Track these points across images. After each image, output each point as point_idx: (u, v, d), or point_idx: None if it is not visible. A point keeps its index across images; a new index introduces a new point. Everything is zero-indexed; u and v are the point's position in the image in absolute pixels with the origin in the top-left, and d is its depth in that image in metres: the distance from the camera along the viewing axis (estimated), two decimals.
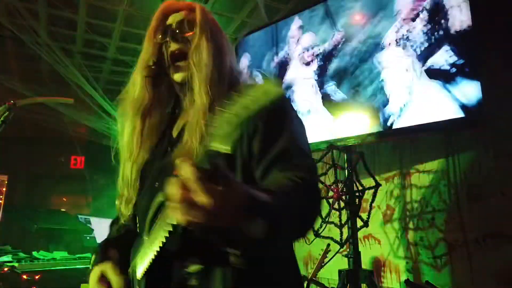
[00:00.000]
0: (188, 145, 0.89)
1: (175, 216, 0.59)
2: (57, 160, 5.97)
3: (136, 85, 1.08)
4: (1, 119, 1.48)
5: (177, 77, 1.03)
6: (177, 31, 1.04)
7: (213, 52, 1.00)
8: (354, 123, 2.33)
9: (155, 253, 0.81)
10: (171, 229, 0.71)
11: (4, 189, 5.09)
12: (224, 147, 0.54)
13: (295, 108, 1.07)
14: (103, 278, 0.98)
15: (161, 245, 0.77)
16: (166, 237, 0.74)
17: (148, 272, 0.87)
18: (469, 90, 1.90)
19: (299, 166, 0.85)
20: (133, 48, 4.44)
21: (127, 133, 1.07)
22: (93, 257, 1.06)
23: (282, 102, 0.95)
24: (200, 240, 0.72)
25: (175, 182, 0.56)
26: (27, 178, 5.51)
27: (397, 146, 2.72)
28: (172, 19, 1.07)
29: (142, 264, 0.89)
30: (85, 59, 4.70)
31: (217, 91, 0.94)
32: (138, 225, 1.07)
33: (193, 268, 0.85)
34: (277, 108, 0.87)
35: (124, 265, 1.00)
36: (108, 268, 0.98)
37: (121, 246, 1.06)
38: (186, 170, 0.55)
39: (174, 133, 1.06)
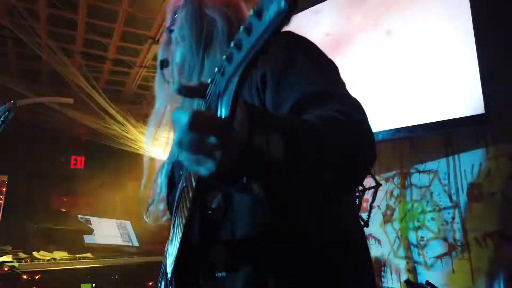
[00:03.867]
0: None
1: (194, 172, 0.51)
2: (57, 160, 5.96)
3: (161, 91, 1.10)
4: (1, 119, 1.48)
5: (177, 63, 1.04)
6: (173, 23, 1.07)
7: (194, 27, 0.97)
8: None
9: (178, 247, 0.74)
10: (187, 215, 0.64)
11: (4, 189, 5.08)
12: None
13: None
14: None
15: (182, 237, 0.70)
16: (185, 226, 0.67)
17: (176, 271, 0.81)
18: (470, 90, 1.90)
19: (335, 100, 0.69)
20: (133, 48, 4.44)
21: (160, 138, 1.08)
22: None
23: (289, 36, 0.82)
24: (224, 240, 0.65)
25: (177, 131, 0.48)
26: (27, 178, 5.50)
27: (397, 146, 2.72)
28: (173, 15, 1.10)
29: (170, 262, 0.85)
30: (85, 59, 4.70)
31: (207, 66, 0.92)
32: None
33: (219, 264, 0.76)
34: (284, 44, 0.76)
35: None
36: None
37: None
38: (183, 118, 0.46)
39: None
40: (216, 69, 0.47)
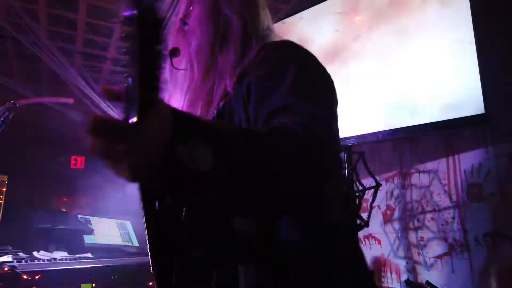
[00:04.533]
0: None
1: (116, 173, 0.47)
2: (57, 160, 5.96)
3: (173, 80, 1.09)
4: (1, 119, 1.48)
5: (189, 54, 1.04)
6: (188, 13, 1.06)
7: (210, 23, 0.96)
8: (354, 123, 2.33)
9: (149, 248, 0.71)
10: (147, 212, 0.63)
11: (4, 189, 5.08)
12: None
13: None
14: None
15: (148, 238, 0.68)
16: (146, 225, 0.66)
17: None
18: (469, 90, 1.90)
19: (293, 112, 0.65)
20: None
21: None
22: None
23: (282, 46, 0.82)
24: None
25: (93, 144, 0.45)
26: (27, 178, 5.50)
27: (397, 146, 2.72)
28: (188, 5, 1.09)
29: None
30: (85, 59, 4.70)
31: (220, 64, 0.91)
32: None
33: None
34: (277, 54, 0.76)
35: None
36: None
37: None
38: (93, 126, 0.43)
39: None
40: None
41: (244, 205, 0.57)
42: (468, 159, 2.31)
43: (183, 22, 1.07)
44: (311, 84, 0.74)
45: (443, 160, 2.44)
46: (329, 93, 0.77)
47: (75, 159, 6.03)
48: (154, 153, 0.45)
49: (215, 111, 0.84)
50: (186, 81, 1.05)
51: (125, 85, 0.45)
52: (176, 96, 1.07)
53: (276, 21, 2.99)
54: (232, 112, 0.79)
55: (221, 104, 0.84)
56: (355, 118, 2.32)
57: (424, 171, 2.55)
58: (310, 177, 0.59)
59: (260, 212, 0.62)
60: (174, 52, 1.08)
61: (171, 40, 1.12)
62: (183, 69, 1.06)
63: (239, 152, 0.53)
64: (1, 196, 4.95)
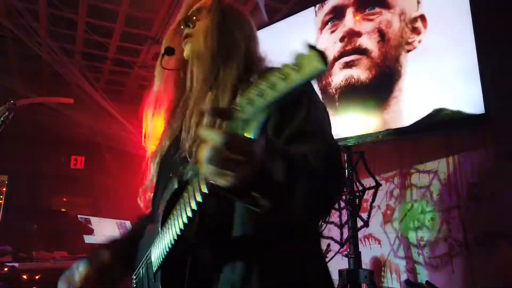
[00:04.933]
0: (189, 134, 0.92)
1: (218, 180, 0.58)
2: (57, 160, 5.96)
3: (160, 78, 1.12)
4: (1, 119, 1.48)
5: (186, 57, 1.06)
6: (192, 17, 1.08)
7: (218, 36, 1.01)
8: (354, 123, 2.33)
9: (171, 244, 0.79)
10: (190, 215, 0.70)
11: (4, 189, 5.08)
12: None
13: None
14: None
15: (178, 233, 0.75)
16: (185, 225, 0.73)
17: (163, 265, 0.86)
18: (470, 90, 1.90)
19: (318, 138, 0.83)
20: (133, 48, 4.44)
21: (155, 126, 1.10)
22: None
23: (309, 85, 0.94)
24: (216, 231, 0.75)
25: (210, 147, 0.55)
26: (27, 178, 5.50)
27: (397, 146, 2.72)
28: (191, 9, 1.11)
29: (157, 256, 0.88)
30: (85, 59, 4.71)
31: (222, 77, 0.96)
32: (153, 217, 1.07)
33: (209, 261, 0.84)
34: (304, 91, 0.87)
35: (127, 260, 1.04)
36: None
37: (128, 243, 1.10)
38: (212, 135, 0.55)
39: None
40: (245, 100, 0.53)
41: (304, 208, 0.71)
42: (468, 159, 2.31)
43: (185, 24, 1.07)
44: (320, 111, 0.91)
45: (443, 160, 2.44)
46: (327, 116, 0.94)
47: (75, 159, 6.04)
48: (258, 166, 0.58)
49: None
50: (173, 81, 1.10)
51: (232, 106, 0.55)
52: (165, 93, 1.09)
53: (273, 23, 3.00)
54: None
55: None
56: (355, 118, 2.32)
57: (424, 171, 2.55)
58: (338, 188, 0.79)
59: (313, 211, 0.78)
60: (169, 52, 1.09)
61: (168, 37, 1.14)
62: (172, 69, 1.08)
63: (302, 168, 0.69)
64: (1, 196, 4.96)
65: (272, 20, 3.16)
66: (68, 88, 4.48)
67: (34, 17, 3.71)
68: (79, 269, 1.04)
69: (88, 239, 3.92)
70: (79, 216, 4.47)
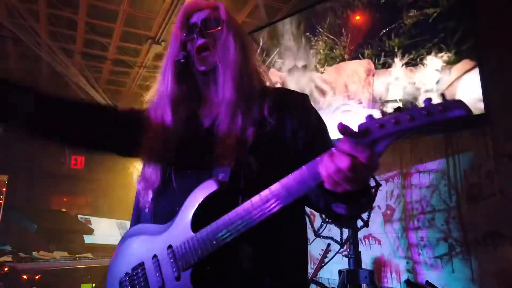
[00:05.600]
0: (227, 136, 0.96)
1: (342, 185, 0.76)
2: (57, 160, 5.96)
3: (166, 80, 1.12)
4: None
5: (203, 67, 1.08)
6: (203, 27, 1.09)
7: (239, 50, 1.07)
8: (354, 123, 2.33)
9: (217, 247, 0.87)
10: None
11: (4, 189, 5.08)
12: None
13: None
14: None
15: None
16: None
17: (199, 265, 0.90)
18: (470, 90, 1.90)
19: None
20: (133, 48, 4.44)
21: (158, 126, 1.09)
22: None
23: (308, 99, 1.13)
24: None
25: (339, 155, 0.74)
26: (27, 178, 5.50)
27: (397, 146, 2.72)
28: (196, 18, 1.12)
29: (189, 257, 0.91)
30: (85, 59, 4.71)
31: (245, 88, 1.03)
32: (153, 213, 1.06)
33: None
34: (304, 103, 1.09)
35: None
36: None
37: None
38: (345, 144, 0.74)
39: (206, 123, 1.08)
40: (377, 124, 0.72)
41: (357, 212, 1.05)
42: (468, 159, 2.31)
43: (200, 34, 1.07)
44: (325, 125, 1.12)
45: (443, 160, 2.44)
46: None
47: (75, 159, 6.03)
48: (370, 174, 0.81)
49: (254, 129, 1.00)
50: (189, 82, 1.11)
51: (364, 125, 0.74)
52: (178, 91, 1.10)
53: (273, 23, 3.00)
54: (271, 135, 1.01)
55: (256, 127, 1.00)
56: (355, 118, 2.32)
57: (424, 171, 2.55)
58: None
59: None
60: (205, 49, 1.08)
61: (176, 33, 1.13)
62: (206, 70, 1.08)
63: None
64: (1, 196, 4.96)
65: (272, 20, 3.16)
66: (68, 88, 4.48)
67: (34, 17, 3.71)
68: None
69: (88, 239, 3.92)
70: (79, 216, 4.47)
